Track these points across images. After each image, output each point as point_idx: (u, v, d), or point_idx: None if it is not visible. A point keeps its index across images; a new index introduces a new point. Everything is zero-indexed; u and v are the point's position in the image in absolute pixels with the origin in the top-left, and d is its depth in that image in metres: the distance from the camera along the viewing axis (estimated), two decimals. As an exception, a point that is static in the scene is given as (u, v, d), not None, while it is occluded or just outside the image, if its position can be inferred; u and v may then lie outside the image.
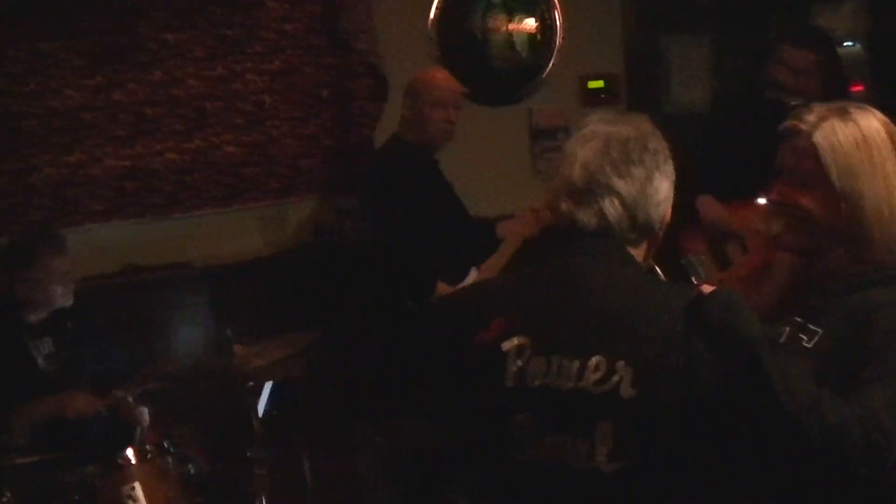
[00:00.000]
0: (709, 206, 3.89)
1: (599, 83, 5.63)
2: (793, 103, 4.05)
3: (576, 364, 1.85)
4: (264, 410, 3.99)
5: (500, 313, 1.94)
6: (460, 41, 5.26)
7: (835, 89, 4.05)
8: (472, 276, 4.08)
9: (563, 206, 1.94)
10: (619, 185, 1.91)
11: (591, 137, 1.96)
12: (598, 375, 1.82)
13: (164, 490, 3.47)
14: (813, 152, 1.95)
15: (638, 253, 1.98)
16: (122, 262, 4.63)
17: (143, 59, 4.65)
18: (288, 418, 4.13)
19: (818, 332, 1.95)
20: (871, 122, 1.96)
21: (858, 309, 1.89)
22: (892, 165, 1.93)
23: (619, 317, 1.85)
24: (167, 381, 3.92)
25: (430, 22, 5.19)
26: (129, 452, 3.49)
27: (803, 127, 1.98)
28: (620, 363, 1.81)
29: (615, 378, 1.81)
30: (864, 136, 1.93)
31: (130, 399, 3.91)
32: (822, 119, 1.97)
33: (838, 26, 6.31)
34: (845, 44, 6.30)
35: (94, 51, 4.54)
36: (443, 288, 3.90)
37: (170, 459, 3.60)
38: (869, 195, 1.92)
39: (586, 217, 1.92)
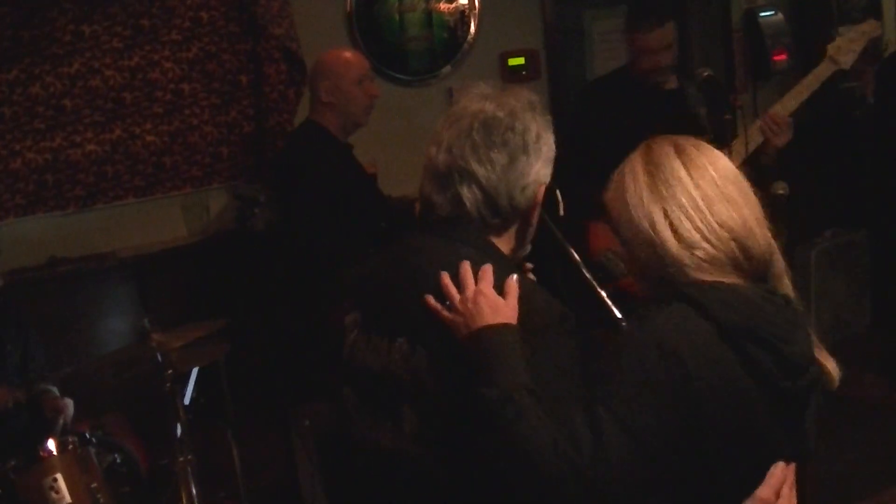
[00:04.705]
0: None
1: (520, 60, 5.66)
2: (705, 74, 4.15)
3: (385, 344, 1.82)
4: (190, 397, 4.03)
5: (355, 289, 1.96)
6: (378, 22, 5.28)
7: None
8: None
9: (425, 188, 1.91)
10: (479, 170, 1.84)
11: (460, 117, 1.89)
12: (400, 358, 1.80)
13: (86, 480, 3.49)
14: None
15: (505, 239, 1.93)
16: (45, 255, 4.63)
17: (59, 51, 4.62)
18: (213, 404, 4.18)
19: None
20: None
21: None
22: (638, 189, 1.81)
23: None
24: (87, 368, 3.96)
25: (347, 3, 5.20)
26: (51, 444, 3.50)
27: None
28: (420, 347, 1.78)
29: (414, 362, 1.78)
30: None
31: (55, 391, 3.94)
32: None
33: (759, -5, 6.41)
34: (766, 13, 6.39)
35: (9, 44, 4.51)
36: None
37: (92, 449, 3.62)
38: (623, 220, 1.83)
39: (441, 201, 1.88)
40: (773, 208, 3.54)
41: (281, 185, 3.95)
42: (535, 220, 1.96)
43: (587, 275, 2.31)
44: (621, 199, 1.83)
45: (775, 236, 1.85)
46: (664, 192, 1.78)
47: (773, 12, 6.40)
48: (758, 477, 1.72)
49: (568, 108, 5.35)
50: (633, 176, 1.83)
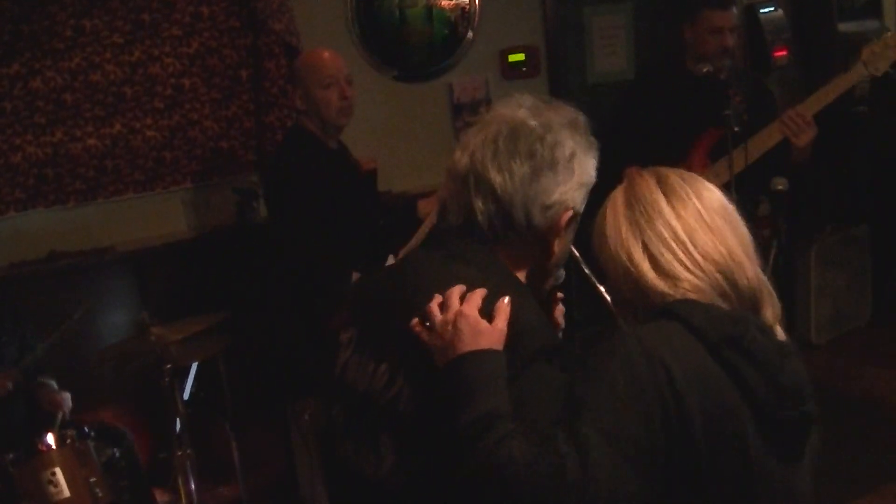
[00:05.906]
0: None
1: (520, 56, 5.65)
2: (705, 69, 4.13)
3: (371, 367, 1.72)
4: (190, 391, 4.03)
5: (354, 305, 1.85)
6: (378, 17, 5.27)
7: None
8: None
9: (443, 191, 1.79)
10: (496, 179, 1.70)
11: (490, 122, 1.75)
12: (381, 383, 1.69)
13: (85, 474, 3.51)
14: None
15: (522, 266, 1.79)
16: (45, 249, 4.63)
17: (60, 45, 4.61)
18: (213, 398, 4.18)
19: None
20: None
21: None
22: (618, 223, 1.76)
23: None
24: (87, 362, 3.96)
25: (347, -1, 5.20)
26: (49, 438, 3.52)
27: None
28: (400, 374, 1.67)
29: (394, 389, 1.67)
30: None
31: (53, 384, 3.95)
32: None
33: (760, -9, 6.39)
34: (766, 9, 6.38)
35: (9, 39, 4.51)
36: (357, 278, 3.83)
37: (91, 443, 3.63)
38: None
39: (455, 210, 1.75)
40: (774, 204, 3.55)
41: (270, 193, 3.90)
42: (556, 249, 1.79)
43: (587, 270, 2.31)
44: (601, 232, 1.77)
45: (767, 274, 1.78)
46: (643, 223, 1.71)
47: (773, 8, 6.38)
48: (746, 496, 1.64)
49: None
50: (613, 209, 1.77)
